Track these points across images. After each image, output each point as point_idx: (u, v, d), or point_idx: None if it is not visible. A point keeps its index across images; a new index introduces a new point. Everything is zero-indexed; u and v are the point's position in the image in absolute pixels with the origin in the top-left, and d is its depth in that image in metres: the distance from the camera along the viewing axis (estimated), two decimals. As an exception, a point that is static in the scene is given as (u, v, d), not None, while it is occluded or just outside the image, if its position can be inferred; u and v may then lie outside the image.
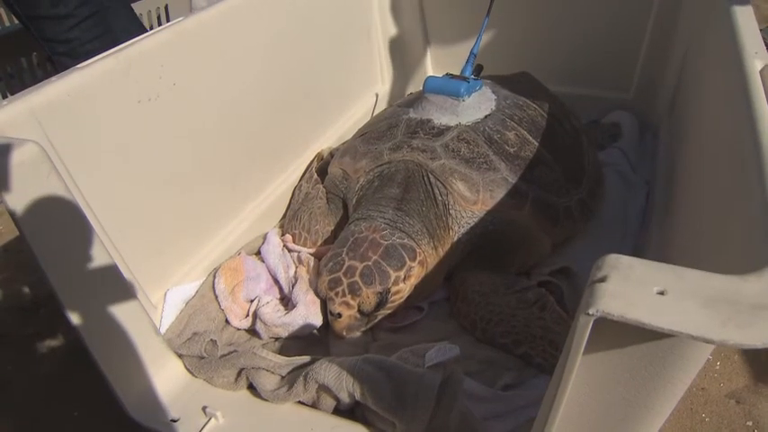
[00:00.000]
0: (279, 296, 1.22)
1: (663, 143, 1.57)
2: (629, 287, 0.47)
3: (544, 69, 1.79)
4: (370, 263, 1.09)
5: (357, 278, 1.07)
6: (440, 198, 1.21)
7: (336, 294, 1.08)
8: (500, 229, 1.22)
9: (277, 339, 1.14)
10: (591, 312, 0.46)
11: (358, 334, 1.14)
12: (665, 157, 1.48)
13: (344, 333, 1.11)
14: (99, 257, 0.89)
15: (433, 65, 2.00)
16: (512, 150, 1.26)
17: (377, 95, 1.91)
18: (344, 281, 1.08)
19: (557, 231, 1.26)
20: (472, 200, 1.20)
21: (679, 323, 0.45)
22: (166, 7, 2.18)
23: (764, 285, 0.48)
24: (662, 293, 0.47)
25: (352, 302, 1.07)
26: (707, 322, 0.45)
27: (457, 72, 1.42)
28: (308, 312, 1.13)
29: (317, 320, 1.14)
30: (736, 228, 0.69)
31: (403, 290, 1.11)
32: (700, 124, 1.16)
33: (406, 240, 1.14)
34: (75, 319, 0.85)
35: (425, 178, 1.23)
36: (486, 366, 1.06)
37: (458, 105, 1.32)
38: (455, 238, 1.22)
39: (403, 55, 1.99)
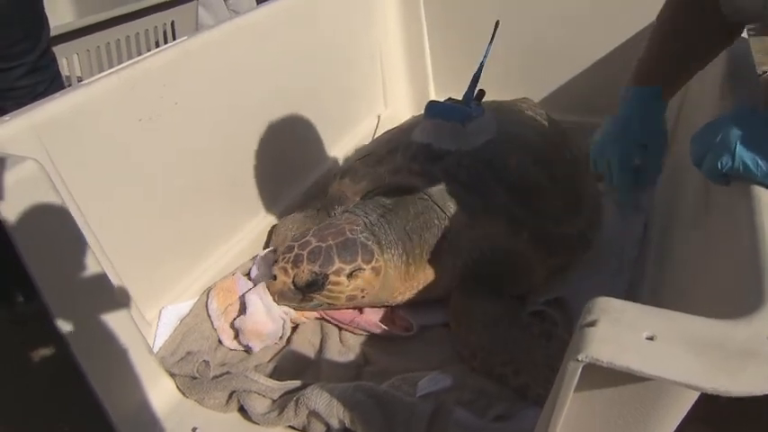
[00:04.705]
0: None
1: (662, 174, 1.57)
2: (619, 332, 0.47)
3: (545, 96, 1.81)
4: (323, 245, 1.11)
5: (305, 252, 1.10)
6: (436, 222, 1.21)
7: (282, 259, 1.11)
8: (496, 255, 1.21)
9: (270, 361, 1.13)
10: (580, 358, 0.46)
11: (319, 324, 1.17)
12: (664, 189, 1.48)
13: (276, 298, 1.13)
14: (94, 274, 0.89)
15: (435, 89, 2.01)
16: (511, 177, 1.27)
17: (379, 118, 1.92)
18: (295, 251, 1.11)
19: (553, 261, 1.26)
20: (469, 225, 1.20)
21: (668, 370, 0.45)
22: (173, 24, 2.19)
23: (754, 331, 0.48)
24: (651, 339, 0.47)
25: (289, 271, 1.09)
26: (696, 369, 0.45)
27: (459, 96, 1.42)
28: (262, 295, 1.14)
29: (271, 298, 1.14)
30: (727, 269, 0.69)
31: (343, 284, 1.11)
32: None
33: (370, 243, 1.14)
34: (67, 334, 0.85)
35: (421, 202, 1.23)
36: (478, 396, 1.04)
37: (458, 131, 1.32)
38: (449, 262, 1.21)
39: (406, 78, 2.01)
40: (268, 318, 1.13)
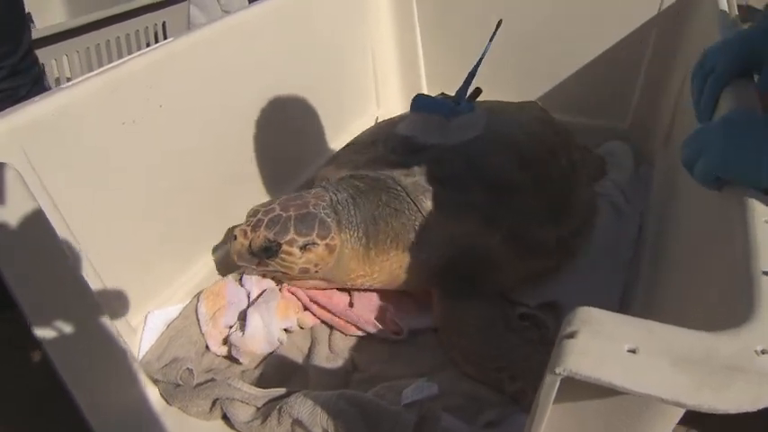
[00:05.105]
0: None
1: (657, 175, 1.55)
2: (600, 344, 0.45)
3: (540, 96, 1.79)
4: (284, 214, 1.13)
5: (266, 219, 1.12)
6: (407, 213, 1.20)
7: (246, 222, 1.14)
8: (468, 254, 1.19)
9: (257, 367, 1.11)
10: (558, 372, 0.44)
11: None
12: (659, 189, 1.46)
13: (235, 258, 1.16)
14: (73, 281, 0.88)
15: (428, 88, 1.99)
16: (490, 176, 1.24)
17: (377, 118, 1.90)
18: (258, 216, 1.14)
19: (528, 265, 1.23)
20: (442, 221, 1.18)
21: (650, 385, 0.43)
22: (164, 24, 2.17)
23: (740, 344, 0.46)
24: (633, 351, 0.45)
25: (248, 234, 1.12)
26: (679, 384, 0.43)
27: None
28: (261, 313, 1.13)
29: (274, 319, 1.14)
30: (717, 276, 0.67)
31: (295, 255, 1.12)
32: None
33: (329, 219, 1.15)
34: (45, 343, 0.83)
35: (394, 191, 1.22)
36: (469, 401, 1.03)
37: (442, 125, 1.31)
38: (418, 256, 1.19)
39: (398, 78, 1.99)
40: (265, 341, 1.12)
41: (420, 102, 1.35)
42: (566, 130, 1.55)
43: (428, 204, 1.19)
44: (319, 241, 1.12)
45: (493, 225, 1.19)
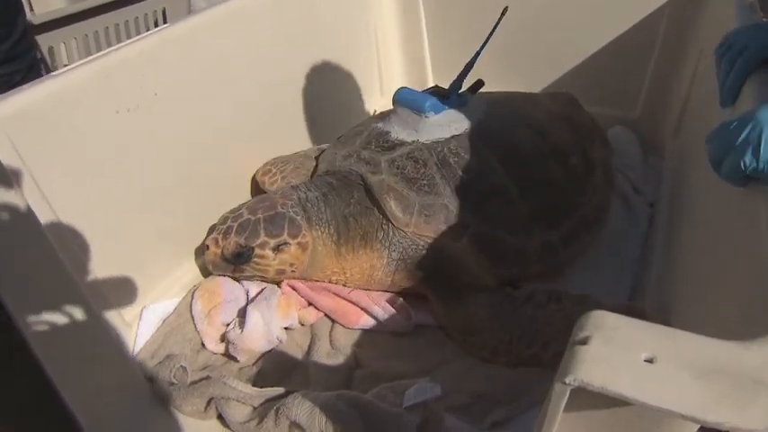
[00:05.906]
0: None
1: (668, 166, 1.51)
2: (614, 352, 0.42)
3: (548, 86, 1.75)
4: (253, 218, 1.12)
5: (235, 225, 1.11)
6: (375, 212, 1.17)
7: (216, 230, 1.13)
8: (434, 256, 1.15)
9: (255, 364, 1.08)
10: (568, 381, 0.41)
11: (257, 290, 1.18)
12: (670, 181, 1.42)
13: (211, 267, 1.16)
14: (60, 276, 0.85)
15: (434, 77, 1.95)
16: (465, 177, 1.18)
17: (374, 112, 1.86)
18: (227, 223, 1.12)
19: (501, 271, 1.17)
20: (404, 221, 1.15)
21: (667, 399, 0.39)
22: (164, 11, 2.14)
23: None
24: (650, 361, 0.41)
25: (220, 242, 1.11)
26: (699, 398, 0.39)
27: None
28: (262, 311, 1.10)
29: (275, 317, 1.11)
30: (738, 277, 0.63)
31: (269, 258, 1.11)
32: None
33: (299, 218, 1.13)
34: (33, 342, 0.80)
35: (363, 188, 1.19)
36: (475, 400, 1.00)
37: (419, 121, 1.25)
38: (384, 257, 1.17)
39: (406, 66, 1.95)
40: (265, 339, 1.09)
41: (401, 95, 1.30)
42: (592, 126, 1.47)
43: (392, 204, 1.15)
44: (291, 240, 1.11)
45: (458, 229, 1.15)
